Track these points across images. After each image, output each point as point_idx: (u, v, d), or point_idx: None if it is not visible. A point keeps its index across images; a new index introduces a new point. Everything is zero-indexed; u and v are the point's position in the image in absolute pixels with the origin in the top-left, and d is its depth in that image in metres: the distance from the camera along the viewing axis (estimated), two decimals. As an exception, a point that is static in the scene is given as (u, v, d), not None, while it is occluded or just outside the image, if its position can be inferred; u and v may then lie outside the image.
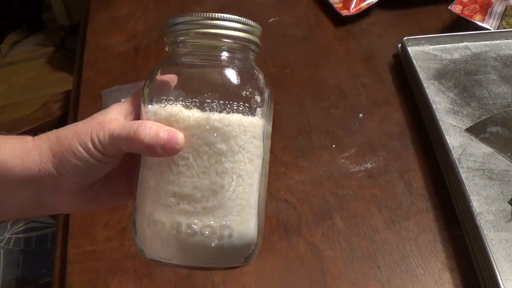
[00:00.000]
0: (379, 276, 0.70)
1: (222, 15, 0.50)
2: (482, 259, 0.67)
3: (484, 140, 0.83)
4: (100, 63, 1.11)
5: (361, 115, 0.92)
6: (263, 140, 0.51)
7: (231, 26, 0.50)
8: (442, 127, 0.82)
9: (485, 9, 1.07)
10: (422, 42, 1.01)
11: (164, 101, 0.49)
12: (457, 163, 0.77)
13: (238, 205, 0.48)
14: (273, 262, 0.72)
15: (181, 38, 0.51)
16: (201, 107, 0.48)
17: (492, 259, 0.65)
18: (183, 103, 0.48)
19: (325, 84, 0.99)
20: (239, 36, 0.50)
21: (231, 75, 0.49)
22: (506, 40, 1.02)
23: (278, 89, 0.98)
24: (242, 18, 0.51)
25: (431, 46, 1.01)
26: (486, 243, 0.66)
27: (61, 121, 1.19)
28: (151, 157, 0.49)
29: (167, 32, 0.52)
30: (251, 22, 0.51)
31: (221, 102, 0.48)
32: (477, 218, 0.69)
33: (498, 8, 1.06)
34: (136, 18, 1.23)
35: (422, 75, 0.94)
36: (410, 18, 1.14)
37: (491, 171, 0.78)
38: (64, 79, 2.57)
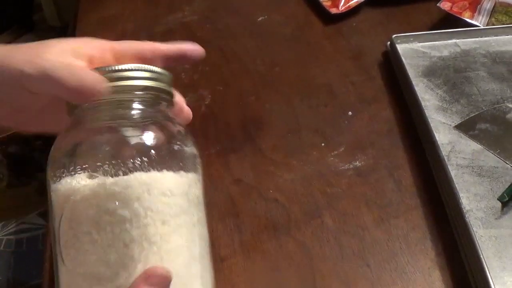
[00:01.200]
0: (368, 274, 0.70)
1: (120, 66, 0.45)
2: (471, 256, 0.67)
3: (473, 137, 0.83)
4: (89, 63, 1.11)
5: (350, 113, 0.92)
6: (185, 195, 0.45)
7: (129, 76, 0.45)
8: (431, 125, 0.82)
9: (474, 6, 1.07)
10: (411, 39, 1.01)
11: (58, 174, 0.43)
12: (446, 160, 0.77)
13: None
14: (262, 261, 0.72)
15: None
16: (95, 173, 0.42)
17: (481, 256, 0.64)
18: (76, 173, 0.42)
19: (314, 82, 0.99)
20: (137, 86, 0.45)
21: (126, 130, 0.44)
22: (495, 37, 1.02)
23: (266, 88, 0.98)
24: (144, 66, 0.46)
25: (420, 44, 1.01)
26: (476, 240, 0.66)
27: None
28: (59, 236, 0.43)
29: None
30: (156, 69, 0.46)
31: (113, 162, 0.42)
32: (467, 215, 0.69)
33: (487, 5, 1.06)
34: (125, 18, 1.23)
35: (411, 72, 0.93)
36: (399, 16, 1.14)
37: (481, 168, 0.78)
38: (55, 80, 2.56)
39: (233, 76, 1.02)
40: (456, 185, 0.73)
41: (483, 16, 1.06)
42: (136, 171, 0.42)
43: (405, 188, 0.79)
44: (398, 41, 0.99)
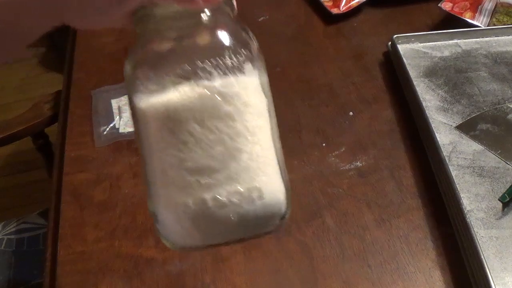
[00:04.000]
0: (369, 275, 0.70)
1: None
2: (472, 256, 0.67)
3: (474, 138, 0.83)
4: (90, 63, 1.11)
5: (351, 113, 0.92)
6: (265, 85, 0.49)
7: None
8: (432, 125, 0.82)
9: (475, 7, 1.07)
10: (412, 39, 1.01)
11: (146, 86, 0.46)
12: (447, 160, 0.77)
13: (260, 164, 0.46)
14: (263, 261, 0.72)
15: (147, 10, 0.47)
16: (194, 76, 0.45)
17: (482, 256, 0.65)
18: (174, 78, 0.45)
19: (315, 82, 0.99)
20: None
21: (214, 33, 0.46)
22: (496, 37, 1.02)
23: (268, 88, 0.98)
24: None
25: (421, 44, 1.01)
26: (476, 241, 0.66)
27: (52, 122, 1.19)
28: (155, 142, 0.46)
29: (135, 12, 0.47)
30: None
31: (213, 62, 0.44)
32: (468, 216, 0.69)
33: (488, 5, 1.06)
34: (126, 17, 1.23)
35: (412, 72, 0.93)
36: (400, 16, 1.14)
37: (482, 168, 0.78)
38: (56, 80, 2.55)
39: (234, 76, 1.01)
40: (457, 186, 0.73)
41: (484, 16, 1.06)
42: (232, 70, 0.45)
43: (406, 188, 0.79)
44: (399, 41, 0.99)
